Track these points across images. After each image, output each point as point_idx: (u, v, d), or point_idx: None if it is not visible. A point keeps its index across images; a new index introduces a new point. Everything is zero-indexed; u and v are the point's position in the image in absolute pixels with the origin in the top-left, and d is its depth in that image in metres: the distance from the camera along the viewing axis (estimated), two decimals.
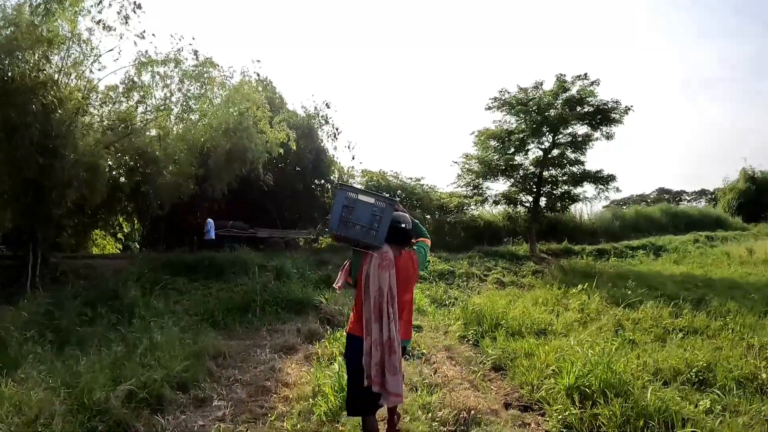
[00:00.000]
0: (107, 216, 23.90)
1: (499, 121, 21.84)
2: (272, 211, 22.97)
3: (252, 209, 22.72)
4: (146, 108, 14.62)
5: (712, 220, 30.52)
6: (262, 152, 16.05)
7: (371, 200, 3.66)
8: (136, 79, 13.98)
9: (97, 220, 24.31)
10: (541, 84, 21.03)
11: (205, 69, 15.15)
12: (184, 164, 15.11)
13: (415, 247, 3.98)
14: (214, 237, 16.73)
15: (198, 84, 14.87)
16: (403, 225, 3.77)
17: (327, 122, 25.05)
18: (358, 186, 21.28)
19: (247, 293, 11.26)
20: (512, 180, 21.93)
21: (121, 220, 23.24)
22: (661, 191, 54.82)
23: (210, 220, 16.88)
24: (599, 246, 21.82)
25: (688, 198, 55.19)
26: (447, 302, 12.77)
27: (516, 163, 21.58)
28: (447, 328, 8.93)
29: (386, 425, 4.22)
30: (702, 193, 55.46)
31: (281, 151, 17.73)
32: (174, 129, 16.11)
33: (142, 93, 14.13)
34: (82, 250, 24.03)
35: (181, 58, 14.51)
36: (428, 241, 4.16)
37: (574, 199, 21.75)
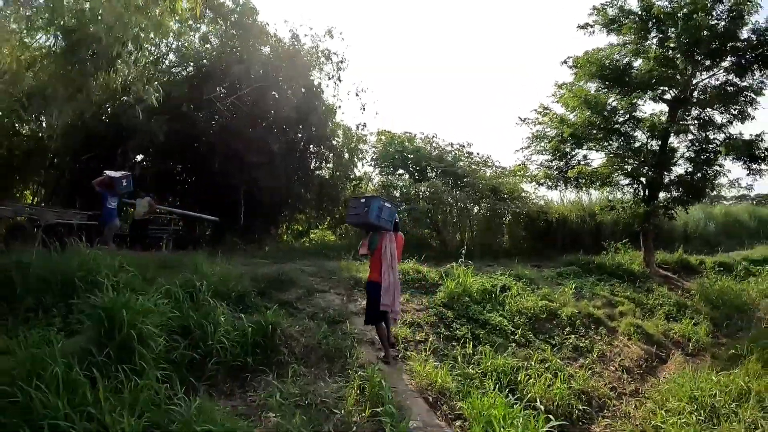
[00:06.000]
0: None
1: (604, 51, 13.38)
2: (238, 186, 14.53)
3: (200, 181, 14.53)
4: None
5: None
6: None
7: (389, 205, 6.11)
8: None
9: None
10: None
11: None
12: None
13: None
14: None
15: None
16: (398, 219, 6.47)
17: (328, 58, 16.44)
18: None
19: None
20: (612, 151, 13.44)
21: None
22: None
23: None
24: (717, 257, 15.41)
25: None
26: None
27: (620, 125, 13.13)
28: None
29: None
30: None
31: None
32: None
33: None
34: None
35: None
36: None
37: (712, 183, 13.57)
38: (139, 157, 15.69)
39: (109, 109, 11.83)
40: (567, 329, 7.71)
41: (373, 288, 5.88)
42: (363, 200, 6.14)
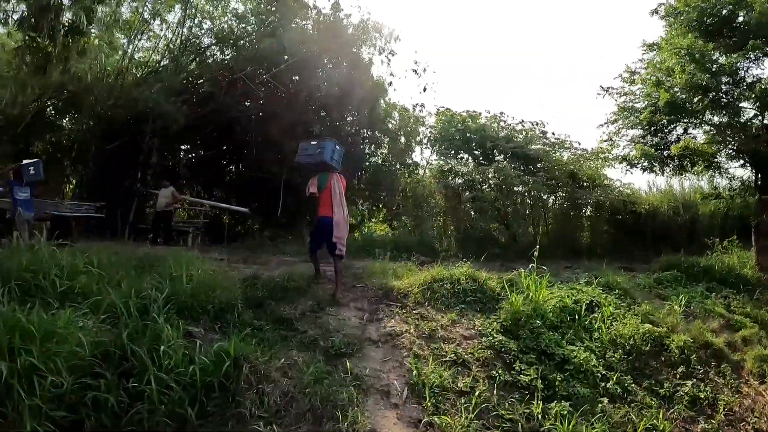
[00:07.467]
0: None
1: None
2: (278, 174, 13.05)
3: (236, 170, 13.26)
4: None
5: None
6: None
7: (339, 148, 6.49)
8: None
9: None
10: None
11: None
12: None
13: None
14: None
15: None
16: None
17: (378, 31, 14.53)
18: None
19: None
20: (714, 125, 11.08)
21: None
22: None
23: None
24: None
25: None
26: None
27: (723, 93, 10.42)
28: None
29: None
30: None
31: None
32: None
33: None
34: None
35: None
36: None
37: None
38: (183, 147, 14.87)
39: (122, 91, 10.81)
40: (680, 369, 5.41)
41: (324, 222, 6.27)
42: (315, 142, 6.56)
